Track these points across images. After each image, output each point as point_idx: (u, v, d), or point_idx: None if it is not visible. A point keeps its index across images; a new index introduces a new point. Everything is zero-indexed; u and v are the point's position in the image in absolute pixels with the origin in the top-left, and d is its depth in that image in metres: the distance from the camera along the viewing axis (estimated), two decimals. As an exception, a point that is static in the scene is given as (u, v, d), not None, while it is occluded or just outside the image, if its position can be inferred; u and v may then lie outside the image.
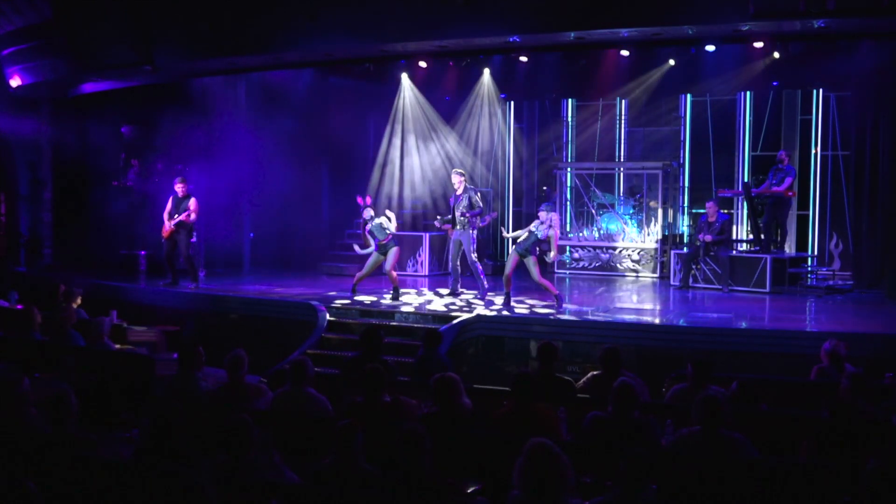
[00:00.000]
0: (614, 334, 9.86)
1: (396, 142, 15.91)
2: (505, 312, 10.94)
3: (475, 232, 12.04)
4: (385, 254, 11.93)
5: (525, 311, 11.04)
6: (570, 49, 12.89)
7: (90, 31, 13.70)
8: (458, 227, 12.01)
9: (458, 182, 12.07)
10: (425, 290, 13.13)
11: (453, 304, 11.65)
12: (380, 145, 16.14)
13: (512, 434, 5.25)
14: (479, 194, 12.28)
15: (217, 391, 6.47)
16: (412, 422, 5.19)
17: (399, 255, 12.22)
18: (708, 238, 12.94)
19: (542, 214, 11.09)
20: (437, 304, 11.63)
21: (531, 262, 11.10)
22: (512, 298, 11.38)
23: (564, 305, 11.33)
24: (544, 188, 16.94)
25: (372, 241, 12.07)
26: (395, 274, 12.01)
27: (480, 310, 11.06)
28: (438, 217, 12.92)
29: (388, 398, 5.87)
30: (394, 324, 10.90)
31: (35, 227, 17.02)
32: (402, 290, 12.21)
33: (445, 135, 15.94)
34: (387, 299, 11.91)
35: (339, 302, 11.80)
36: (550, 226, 10.99)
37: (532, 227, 11.13)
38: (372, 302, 11.78)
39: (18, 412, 5.10)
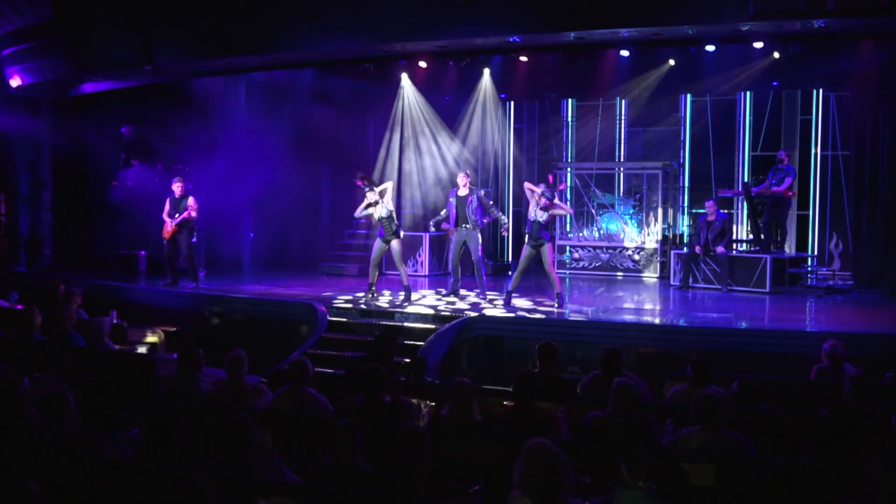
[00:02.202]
0: (614, 334, 9.86)
1: (396, 142, 15.89)
2: (506, 312, 10.93)
3: (479, 232, 12.01)
4: (388, 242, 11.77)
5: (525, 312, 11.03)
6: (570, 49, 12.88)
7: (90, 31, 13.69)
8: (468, 226, 11.91)
9: (464, 183, 12.01)
10: (426, 290, 13.13)
11: (453, 303, 11.65)
12: (380, 145, 16.12)
13: (512, 434, 5.25)
14: (483, 193, 12.17)
15: (217, 391, 6.47)
16: (412, 421, 5.20)
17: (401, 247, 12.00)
18: (698, 250, 13.08)
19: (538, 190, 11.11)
20: (437, 304, 11.63)
21: (546, 251, 11.08)
22: (513, 298, 11.38)
23: (566, 304, 11.31)
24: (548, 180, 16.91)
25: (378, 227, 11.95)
26: (404, 269, 11.88)
27: (483, 310, 11.06)
28: (432, 222, 12.52)
29: (388, 398, 5.87)
30: (394, 324, 10.90)
31: (35, 227, 17.02)
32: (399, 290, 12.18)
33: (445, 135, 15.93)
34: (381, 299, 11.90)
35: (343, 298, 11.82)
36: (543, 197, 10.96)
37: (530, 214, 11.10)
38: (371, 301, 11.80)
39: (18, 412, 5.10)
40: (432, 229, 12.90)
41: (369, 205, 11.78)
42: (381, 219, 11.74)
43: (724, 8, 10.38)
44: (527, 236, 11.27)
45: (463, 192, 11.97)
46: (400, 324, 10.88)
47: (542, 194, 11.02)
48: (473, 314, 10.71)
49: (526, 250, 11.22)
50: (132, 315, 11.48)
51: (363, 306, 11.48)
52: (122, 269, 15.51)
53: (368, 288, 12.01)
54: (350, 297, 12.06)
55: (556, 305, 11.20)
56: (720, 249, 12.89)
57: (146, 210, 15.41)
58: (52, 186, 17.02)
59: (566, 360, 9.60)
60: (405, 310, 11.18)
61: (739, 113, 15.61)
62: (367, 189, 11.78)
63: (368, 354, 7.55)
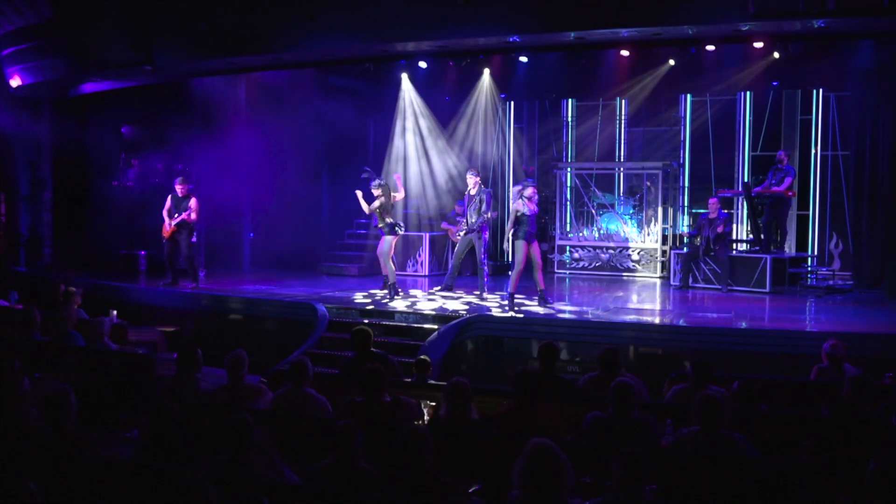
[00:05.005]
0: (614, 334, 9.86)
1: (396, 142, 15.91)
2: (505, 312, 10.92)
3: (483, 233, 12.01)
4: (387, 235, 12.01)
5: (525, 312, 11.02)
6: (570, 49, 12.89)
7: (90, 31, 13.70)
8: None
9: (472, 182, 12.03)
10: (422, 290, 13.12)
11: (452, 303, 11.64)
12: (380, 145, 16.13)
13: (514, 434, 5.25)
14: (486, 195, 12.16)
15: (217, 391, 6.47)
16: (412, 422, 5.20)
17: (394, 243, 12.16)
18: (716, 231, 12.78)
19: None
20: (437, 304, 11.63)
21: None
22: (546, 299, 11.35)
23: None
24: (532, 169, 16.87)
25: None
26: (391, 266, 11.96)
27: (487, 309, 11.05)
28: (460, 225, 12.48)
29: (388, 398, 5.87)
30: (394, 324, 10.90)
31: (35, 227, 17.02)
32: (399, 290, 12.16)
33: (445, 135, 15.94)
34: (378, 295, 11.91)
35: (359, 295, 11.82)
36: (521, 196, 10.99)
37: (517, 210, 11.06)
38: (371, 301, 11.79)
39: (18, 412, 5.10)
40: (458, 235, 12.69)
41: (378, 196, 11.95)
42: (374, 209, 11.91)
43: (724, 8, 10.38)
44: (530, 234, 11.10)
45: (472, 191, 12.01)
46: (400, 324, 10.88)
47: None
48: (474, 314, 10.70)
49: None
50: (132, 315, 11.50)
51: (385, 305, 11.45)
52: (122, 269, 15.51)
53: (384, 285, 12.00)
54: (353, 297, 12.05)
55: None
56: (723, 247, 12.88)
57: (146, 210, 15.42)
58: (52, 186, 17.01)
59: (566, 360, 9.61)
60: (405, 309, 11.17)
61: (739, 113, 15.60)
62: (373, 183, 12.02)
63: (357, 354, 7.58)
